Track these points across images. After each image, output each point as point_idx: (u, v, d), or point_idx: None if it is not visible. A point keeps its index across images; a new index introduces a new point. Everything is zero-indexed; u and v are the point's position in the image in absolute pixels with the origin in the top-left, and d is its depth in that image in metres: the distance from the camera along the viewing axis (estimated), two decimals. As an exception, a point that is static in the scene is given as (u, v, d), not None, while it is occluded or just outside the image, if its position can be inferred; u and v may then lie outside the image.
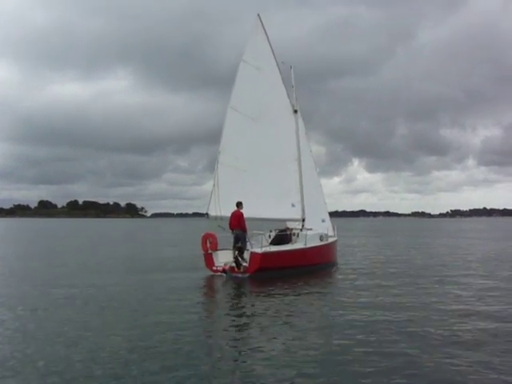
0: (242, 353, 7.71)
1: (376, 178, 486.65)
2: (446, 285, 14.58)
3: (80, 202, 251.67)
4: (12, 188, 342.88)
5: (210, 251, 16.52)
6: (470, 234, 52.42)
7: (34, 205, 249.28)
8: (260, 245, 16.37)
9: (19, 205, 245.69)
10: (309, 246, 17.45)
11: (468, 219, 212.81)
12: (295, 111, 19.71)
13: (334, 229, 21.04)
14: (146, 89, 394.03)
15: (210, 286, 15.13)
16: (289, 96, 19.48)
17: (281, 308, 11.27)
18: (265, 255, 15.79)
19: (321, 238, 18.35)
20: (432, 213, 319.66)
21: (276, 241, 17.94)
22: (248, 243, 16.53)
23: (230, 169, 17.39)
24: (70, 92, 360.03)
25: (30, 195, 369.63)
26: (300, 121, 19.89)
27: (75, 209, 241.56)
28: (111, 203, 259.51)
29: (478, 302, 11.75)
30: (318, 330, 9.27)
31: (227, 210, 16.67)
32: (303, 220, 19.10)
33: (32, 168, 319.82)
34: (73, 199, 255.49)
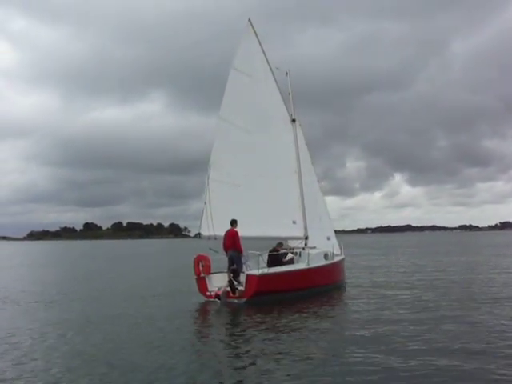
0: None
1: (418, 191, 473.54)
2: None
3: (124, 223, 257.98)
4: (58, 211, 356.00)
5: (202, 275, 15.25)
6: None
7: (79, 227, 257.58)
8: (257, 266, 14.94)
9: (65, 227, 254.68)
10: (312, 265, 15.95)
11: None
12: (293, 120, 18.34)
13: (340, 247, 19.49)
14: (180, 111, 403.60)
15: (202, 313, 13.88)
16: (286, 105, 18.20)
17: (281, 337, 9.99)
18: (262, 278, 14.43)
19: (326, 257, 16.88)
20: (480, 225, 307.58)
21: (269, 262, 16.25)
22: (244, 265, 15.21)
23: (222, 184, 16.17)
24: (108, 117, 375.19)
25: (76, 217, 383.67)
26: (299, 131, 18.48)
27: (120, 230, 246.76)
28: (155, 224, 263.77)
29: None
30: (323, 360, 8.19)
31: (221, 229, 15.40)
32: (306, 238, 17.62)
33: (76, 191, 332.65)
34: (117, 221, 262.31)
